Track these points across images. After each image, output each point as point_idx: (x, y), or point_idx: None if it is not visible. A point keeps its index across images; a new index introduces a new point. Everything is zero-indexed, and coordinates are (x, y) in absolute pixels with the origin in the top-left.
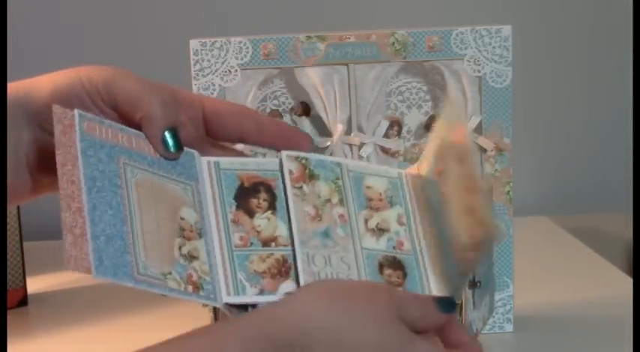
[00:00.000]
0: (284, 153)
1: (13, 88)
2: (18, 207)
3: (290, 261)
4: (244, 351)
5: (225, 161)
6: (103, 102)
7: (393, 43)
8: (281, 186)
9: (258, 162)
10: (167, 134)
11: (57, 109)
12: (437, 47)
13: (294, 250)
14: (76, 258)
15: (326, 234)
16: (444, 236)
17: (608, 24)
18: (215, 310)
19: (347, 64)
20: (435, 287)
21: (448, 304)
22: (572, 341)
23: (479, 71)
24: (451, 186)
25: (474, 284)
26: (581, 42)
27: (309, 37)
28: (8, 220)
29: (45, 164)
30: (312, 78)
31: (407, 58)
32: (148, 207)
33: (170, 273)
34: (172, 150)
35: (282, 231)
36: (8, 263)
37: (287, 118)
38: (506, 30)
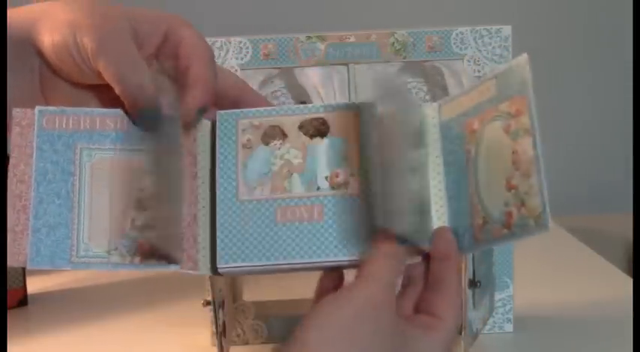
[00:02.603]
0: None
1: (17, 24)
2: None
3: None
4: None
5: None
6: (92, 69)
7: (393, 43)
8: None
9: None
10: (147, 113)
11: (16, 112)
12: (437, 47)
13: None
14: (14, 253)
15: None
16: (461, 189)
17: (608, 24)
18: (215, 310)
19: (347, 64)
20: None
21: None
22: (572, 341)
23: (479, 71)
24: (490, 153)
25: (474, 284)
26: (581, 42)
27: (309, 37)
28: None
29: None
30: (312, 78)
31: (407, 58)
32: (101, 188)
33: (116, 249)
34: (152, 126)
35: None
36: None
37: None
38: (506, 30)
